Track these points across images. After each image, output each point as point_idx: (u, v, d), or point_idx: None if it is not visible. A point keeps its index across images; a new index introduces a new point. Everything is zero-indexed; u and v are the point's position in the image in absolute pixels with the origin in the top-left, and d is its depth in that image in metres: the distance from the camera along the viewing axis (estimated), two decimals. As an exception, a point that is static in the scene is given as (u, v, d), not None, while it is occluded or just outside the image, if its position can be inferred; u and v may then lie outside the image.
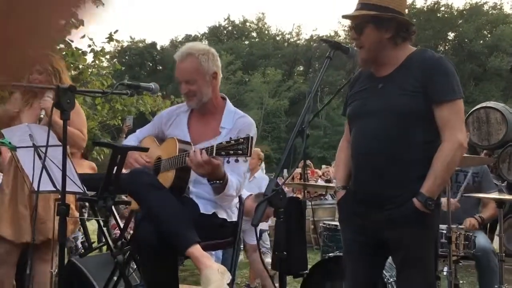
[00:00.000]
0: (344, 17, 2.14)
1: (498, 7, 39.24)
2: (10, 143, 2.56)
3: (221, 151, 2.05)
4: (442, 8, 39.73)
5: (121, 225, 3.19)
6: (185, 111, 2.62)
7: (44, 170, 2.23)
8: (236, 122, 2.50)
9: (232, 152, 2.02)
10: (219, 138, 2.38)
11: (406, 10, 2.26)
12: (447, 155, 1.94)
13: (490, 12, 39.20)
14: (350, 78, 2.35)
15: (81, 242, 4.80)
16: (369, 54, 2.07)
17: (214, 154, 2.08)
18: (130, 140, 2.73)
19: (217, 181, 2.25)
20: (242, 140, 2.00)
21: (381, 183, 2.04)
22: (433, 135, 2.00)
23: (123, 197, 3.63)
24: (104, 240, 3.04)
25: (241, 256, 5.18)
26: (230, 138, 2.06)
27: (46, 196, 2.80)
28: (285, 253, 1.80)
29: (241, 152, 2.00)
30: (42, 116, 2.71)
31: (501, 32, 35.76)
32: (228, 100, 2.61)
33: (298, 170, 8.07)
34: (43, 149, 2.26)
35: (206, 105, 2.52)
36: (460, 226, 3.15)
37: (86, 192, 2.43)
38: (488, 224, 4.20)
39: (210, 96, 2.51)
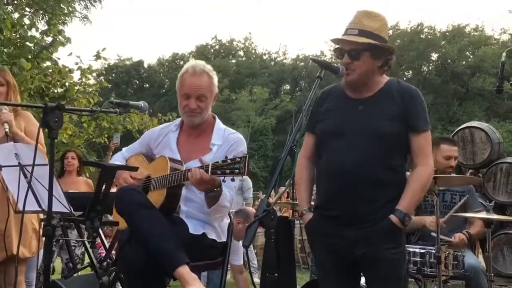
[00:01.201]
0: (340, 42, 2.14)
1: (480, 29, 40.12)
2: None
3: (217, 170, 2.03)
4: (426, 30, 40.45)
5: (107, 245, 3.14)
6: (174, 130, 2.60)
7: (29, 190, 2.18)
8: (227, 138, 2.49)
9: (228, 171, 2.01)
10: (210, 155, 2.38)
11: (391, 31, 2.35)
12: (423, 177, 2.11)
13: (472, 33, 40.03)
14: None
15: (65, 263, 4.68)
16: (360, 79, 2.15)
17: (209, 173, 2.07)
18: (116, 159, 2.70)
19: (213, 189, 2.23)
20: (239, 159, 2.00)
21: (358, 201, 2.09)
22: (405, 158, 2.18)
23: (109, 217, 3.57)
24: (89, 260, 2.97)
25: (228, 276, 5.12)
26: (226, 157, 2.04)
27: (3, 207, 2.75)
28: (276, 274, 1.78)
29: (237, 171, 1.99)
30: (6, 129, 2.74)
31: (483, 53, 36.46)
32: (217, 118, 2.61)
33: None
34: (29, 168, 2.22)
35: (200, 123, 2.51)
36: (448, 239, 3.18)
37: (73, 212, 2.38)
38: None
39: (208, 115, 2.51)
